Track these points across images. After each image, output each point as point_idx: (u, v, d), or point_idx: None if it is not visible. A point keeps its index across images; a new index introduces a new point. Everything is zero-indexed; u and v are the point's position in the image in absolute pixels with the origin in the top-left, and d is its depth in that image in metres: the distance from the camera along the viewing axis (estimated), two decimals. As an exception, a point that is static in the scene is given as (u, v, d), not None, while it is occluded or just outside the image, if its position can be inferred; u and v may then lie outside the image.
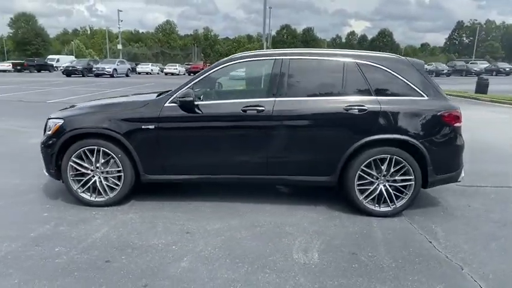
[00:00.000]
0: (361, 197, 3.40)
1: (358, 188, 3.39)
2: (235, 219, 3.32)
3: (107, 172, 3.45)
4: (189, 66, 43.47)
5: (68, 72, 30.63)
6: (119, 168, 3.43)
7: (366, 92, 3.39)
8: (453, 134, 3.42)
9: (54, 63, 43.71)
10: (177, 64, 44.70)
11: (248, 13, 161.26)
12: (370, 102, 3.34)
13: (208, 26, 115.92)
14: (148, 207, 3.54)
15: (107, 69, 29.88)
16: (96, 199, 3.48)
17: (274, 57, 3.51)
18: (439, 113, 3.34)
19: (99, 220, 3.22)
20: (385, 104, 3.34)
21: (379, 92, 3.40)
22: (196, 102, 3.33)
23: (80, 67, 30.93)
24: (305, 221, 3.32)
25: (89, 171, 3.44)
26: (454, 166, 3.51)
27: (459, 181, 3.64)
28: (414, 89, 3.40)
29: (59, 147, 3.39)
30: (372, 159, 3.33)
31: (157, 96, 3.68)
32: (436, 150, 3.37)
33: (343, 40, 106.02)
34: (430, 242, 2.98)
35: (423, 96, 3.40)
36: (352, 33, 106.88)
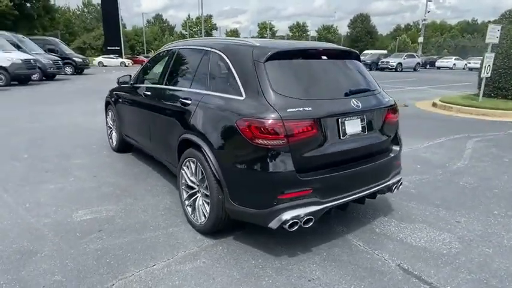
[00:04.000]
0: (183, 198, 3.13)
1: (182, 187, 3.14)
2: (130, 181, 4.09)
3: (114, 129, 5.15)
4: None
5: (359, 66, 33.66)
6: (115, 127, 5.04)
7: (204, 85, 2.99)
8: (252, 153, 2.37)
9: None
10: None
11: None
12: (197, 96, 2.97)
13: None
14: (120, 158, 4.94)
15: (390, 63, 30.25)
16: (110, 145, 5.30)
17: (173, 48, 3.73)
18: (236, 121, 2.42)
19: (94, 156, 5.04)
20: (204, 99, 2.86)
21: (213, 85, 2.91)
22: (123, 86, 4.31)
23: (369, 61, 33.09)
24: (149, 203, 3.55)
25: (110, 125, 5.28)
26: (257, 200, 2.41)
27: (273, 228, 2.39)
28: (238, 85, 2.61)
29: (105, 107, 5.43)
30: (186, 159, 2.98)
31: None
32: (230, 169, 2.52)
33: None
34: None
35: (240, 96, 2.54)
36: None
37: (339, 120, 2.56)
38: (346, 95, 2.68)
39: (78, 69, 22.59)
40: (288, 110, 2.34)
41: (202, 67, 3.08)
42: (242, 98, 2.52)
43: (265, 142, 2.30)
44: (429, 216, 3.30)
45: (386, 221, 3.22)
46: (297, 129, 2.33)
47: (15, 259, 2.55)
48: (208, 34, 64.38)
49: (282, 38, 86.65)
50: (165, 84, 3.60)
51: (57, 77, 19.07)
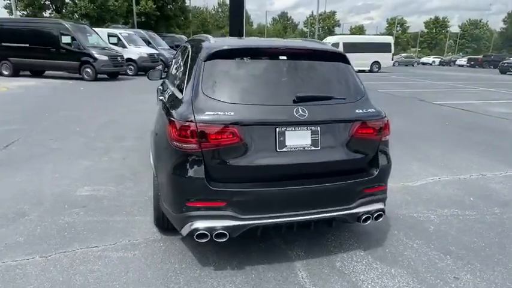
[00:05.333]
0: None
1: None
2: (147, 166, 4.44)
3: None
4: None
5: (503, 69, 28.05)
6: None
7: (175, 81, 3.02)
8: (170, 154, 2.31)
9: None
10: None
11: None
12: (168, 92, 3.04)
13: None
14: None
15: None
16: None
17: (184, 44, 3.82)
18: (171, 119, 2.34)
19: (140, 141, 5.62)
20: (170, 95, 2.88)
21: (178, 82, 2.89)
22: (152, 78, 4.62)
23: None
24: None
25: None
26: (172, 203, 2.33)
27: (183, 235, 2.24)
28: (184, 83, 2.54)
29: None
30: (155, 154, 3.07)
31: None
32: (159, 167, 2.48)
33: None
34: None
35: (181, 94, 2.49)
36: None
37: (277, 129, 2.24)
38: (295, 102, 2.31)
39: (198, 63, 25.16)
40: (206, 113, 2.17)
41: (181, 63, 3.11)
42: (181, 97, 2.45)
43: (178, 144, 2.20)
44: (422, 263, 2.59)
45: (360, 256, 2.67)
46: (212, 134, 2.15)
47: (10, 217, 3.10)
48: (330, 31, 63.12)
49: (416, 34, 78.39)
50: (167, 79, 3.77)
51: (178, 69, 21.75)
